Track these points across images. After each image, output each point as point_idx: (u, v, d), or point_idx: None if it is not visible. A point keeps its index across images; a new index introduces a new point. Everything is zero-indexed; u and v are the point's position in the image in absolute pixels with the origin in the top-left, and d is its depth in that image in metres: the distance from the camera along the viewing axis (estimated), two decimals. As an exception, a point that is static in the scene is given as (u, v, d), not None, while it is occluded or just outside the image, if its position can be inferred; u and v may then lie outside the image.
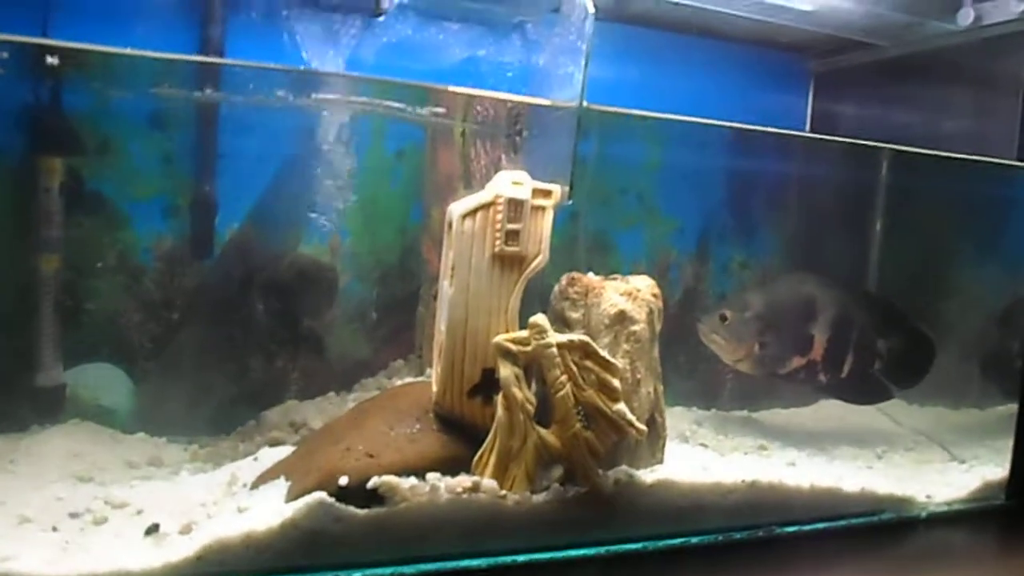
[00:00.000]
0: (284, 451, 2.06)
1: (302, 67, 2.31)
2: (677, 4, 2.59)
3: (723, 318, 2.69)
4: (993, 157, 2.84)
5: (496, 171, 2.41)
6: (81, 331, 2.37)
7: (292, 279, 2.49)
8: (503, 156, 2.40)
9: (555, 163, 2.13)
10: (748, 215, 3.13)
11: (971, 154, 2.98)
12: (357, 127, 2.46)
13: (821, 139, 3.18)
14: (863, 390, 2.76)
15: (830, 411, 2.97)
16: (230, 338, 2.47)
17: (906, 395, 3.11)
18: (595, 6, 2.03)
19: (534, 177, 2.02)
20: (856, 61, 3.12)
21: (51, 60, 1.97)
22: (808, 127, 3.36)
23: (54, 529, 1.78)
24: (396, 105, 2.39)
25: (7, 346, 2.29)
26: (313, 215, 2.46)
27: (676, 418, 2.72)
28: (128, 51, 1.95)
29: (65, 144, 2.28)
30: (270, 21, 2.43)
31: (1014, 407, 2.61)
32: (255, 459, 2.03)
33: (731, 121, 3.05)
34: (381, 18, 2.59)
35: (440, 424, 1.98)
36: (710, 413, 2.87)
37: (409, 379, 2.48)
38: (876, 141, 3.16)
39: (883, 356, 2.77)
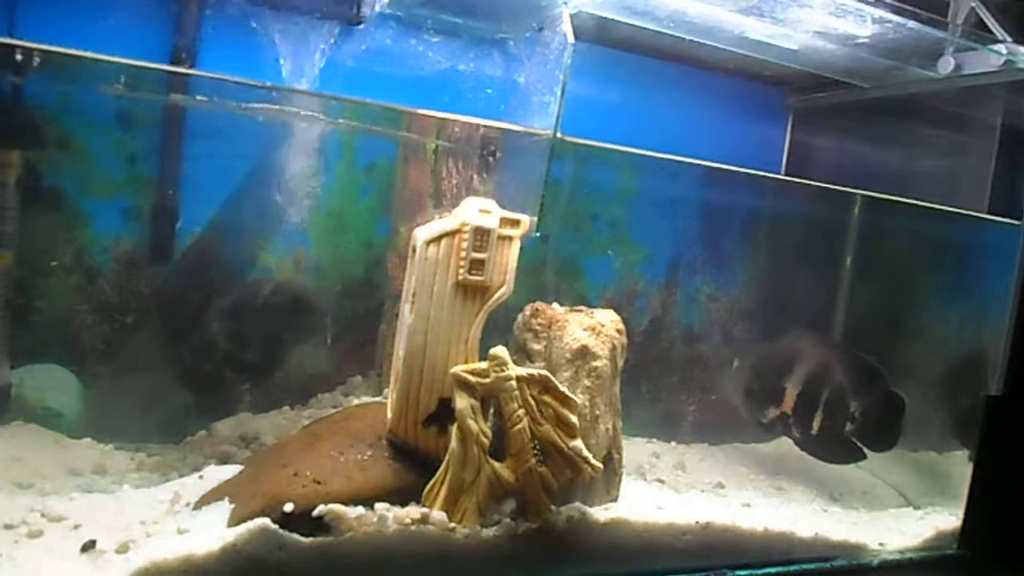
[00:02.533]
0: (231, 469, 2.00)
1: (272, 83, 2.26)
2: (660, 33, 2.56)
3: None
4: (965, 204, 2.86)
5: (467, 191, 2.40)
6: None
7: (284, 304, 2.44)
8: (474, 176, 2.37)
9: (525, 190, 2.10)
10: (718, 248, 3.12)
11: (944, 198, 3.01)
12: (327, 140, 2.42)
13: (790, 181, 3.18)
14: (832, 449, 2.75)
15: (790, 448, 2.97)
16: (185, 346, 2.42)
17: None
18: (575, 35, 2.00)
19: (504, 202, 1.99)
20: (835, 99, 3.12)
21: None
22: (785, 159, 3.36)
23: (-15, 541, 1.72)
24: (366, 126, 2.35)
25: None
26: (277, 225, 2.41)
27: (635, 449, 2.70)
28: (97, 56, 1.90)
29: (23, 137, 2.22)
30: (246, 23, 2.38)
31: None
32: (200, 476, 1.98)
33: (708, 150, 3.06)
34: (360, 26, 2.56)
35: (392, 451, 1.95)
36: (670, 445, 2.86)
37: (367, 398, 2.44)
38: (852, 178, 3.19)
39: (855, 418, 2.75)
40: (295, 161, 2.41)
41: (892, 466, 2.94)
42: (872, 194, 2.81)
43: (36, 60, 1.99)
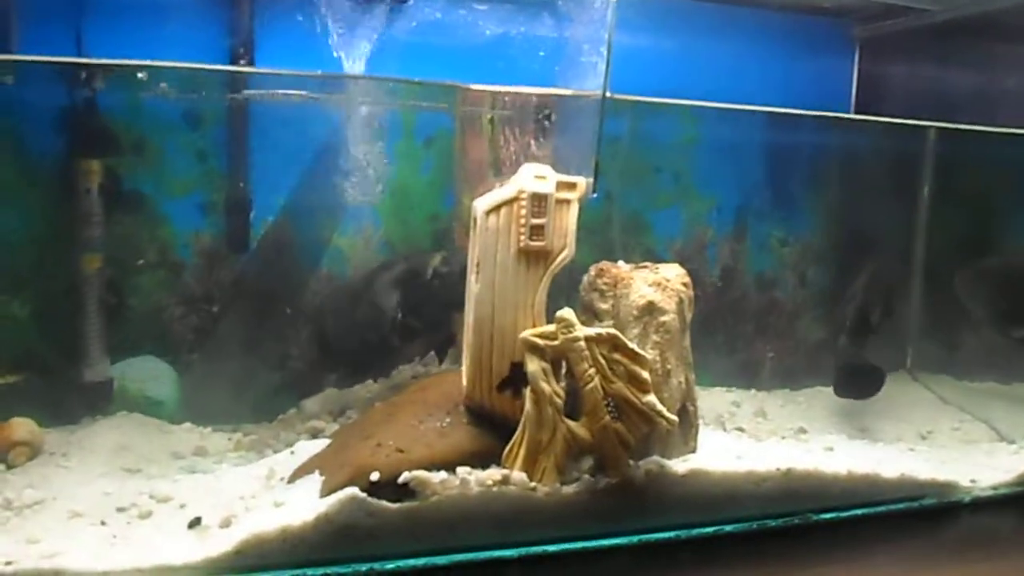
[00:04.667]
0: (320, 444, 2.10)
1: (325, 72, 2.31)
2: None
3: None
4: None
5: (526, 157, 2.42)
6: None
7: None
8: (531, 142, 2.38)
9: (582, 152, 2.11)
10: (786, 191, 3.05)
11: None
12: (384, 119, 2.47)
13: (853, 119, 3.07)
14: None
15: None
16: (271, 329, 2.52)
17: (954, 370, 3.04)
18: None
19: (562, 165, 2.00)
20: (904, 26, 2.99)
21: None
22: (854, 92, 3.25)
23: (102, 523, 1.85)
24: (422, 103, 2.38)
25: (57, 343, 2.37)
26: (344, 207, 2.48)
27: (715, 399, 2.70)
28: (154, 63, 1.98)
29: (101, 145, 2.34)
30: (296, 14, 2.44)
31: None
32: (292, 452, 2.08)
33: (774, 91, 3.00)
34: (409, 2, 2.59)
35: (470, 417, 2.00)
36: (750, 393, 2.83)
37: (446, 367, 2.50)
38: (927, 106, 3.06)
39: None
40: (355, 143, 2.47)
41: (984, 400, 2.85)
42: (941, 124, 2.68)
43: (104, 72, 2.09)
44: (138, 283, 2.47)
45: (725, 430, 2.46)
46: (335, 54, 2.43)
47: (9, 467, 2.13)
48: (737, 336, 2.90)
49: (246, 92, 2.45)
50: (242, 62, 2.50)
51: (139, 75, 2.24)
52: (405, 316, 2.42)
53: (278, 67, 2.49)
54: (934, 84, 3.16)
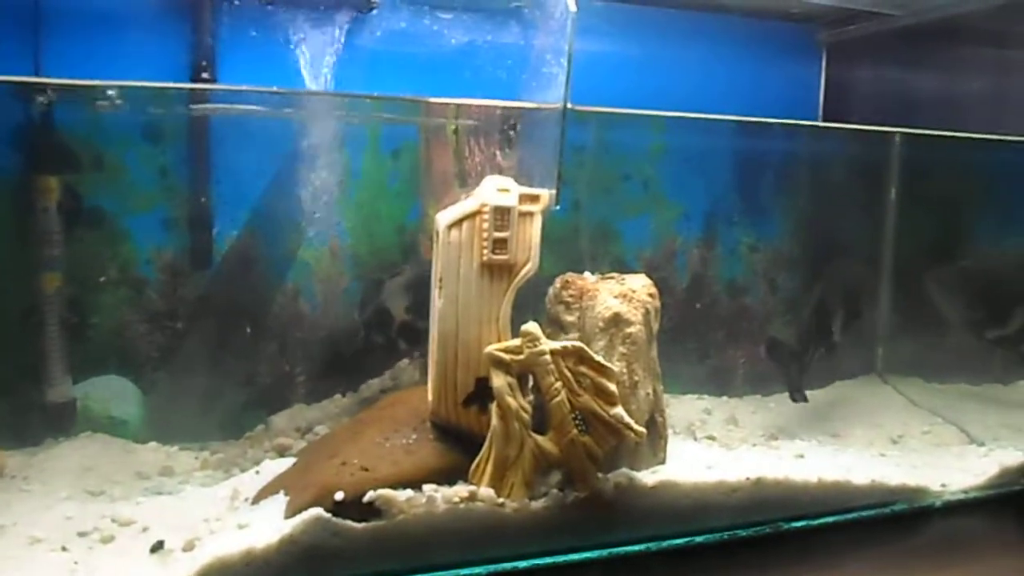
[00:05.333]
0: (286, 463, 2.07)
1: (288, 88, 2.29)
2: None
3: None
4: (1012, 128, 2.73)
5: (491, 167, 2.40)
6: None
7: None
8: (497, 152, 2.36)
9: (546, 163, 2.10)
10: (755, 197, 3.05)
11: (989, 123, 2.88)
12: (349, 131, 2.44)
13: (820, 126, 3.08)
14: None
15: (845, 392, 2.92)
16: (235, 345, 2.49)
17: (924, 372, 3.05)
18: (576, 4, 1.97)
19: (526, 176, 1.98)
20: (869, 30, 3.00)
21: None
22: (822, 96, 3.26)
23: (63, 549, 1.81)
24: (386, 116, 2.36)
25: (18, 364, 2.33)
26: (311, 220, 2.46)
27: (686, 407, 2.70)
28: (114, 83, 1.96)
29: (59, 162, 2.30)
30: (260, 22, 2.41)
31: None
32: (257, 472, 2.06)
33: (742, 97, 3.00)
34: (373, 11, 2.57)
35: (436, 433, 1.99)
36: (721, 400, 2.83)
37: (415, 379, 2.48)
38: (895, 109, 3.07)
39: None
40: (320, 155, 2.44)
41: (954, 402, 2.87)
42: (910, 131, 2.69)
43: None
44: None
45: (696, 439, 2.46)
46: (300, 65, 2.42)
47: (-30, 493, 2.09)
48: (709, 343, 2.90)
49: (207, 106, 2.41)
50: (204, 75, 2.46)
51: (105, 93, 2.20)
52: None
53: (241, 80, 2.46)
54: (899, 85, 3.18)
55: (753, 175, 3.06)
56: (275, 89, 2.27)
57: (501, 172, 2.36)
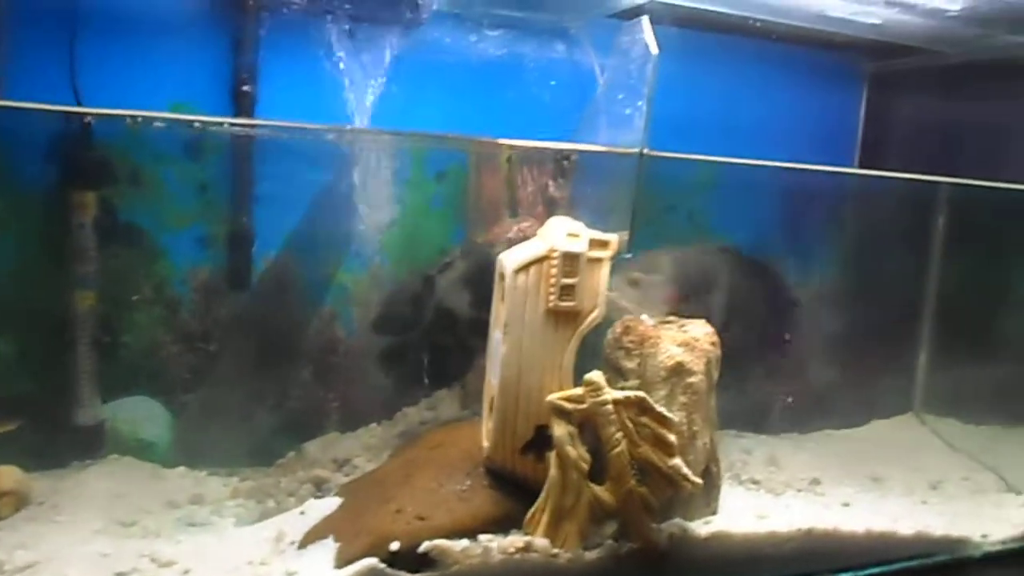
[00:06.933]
0: (331, 503, 2.00)
1: (330, 125, 2.22)
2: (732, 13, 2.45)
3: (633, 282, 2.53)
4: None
5: (543, 197, 2.35)
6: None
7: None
8: (550, 182, 2.30)
9: (606, 200, 2.04)
10: (796, 235, 3.02)
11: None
12: (393, 152, 2.37)
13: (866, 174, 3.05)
14: None
15: (881, 431, 2.90)
16: (269, 369, 2.42)
17: (959, 414, 3.02)
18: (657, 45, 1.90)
19: (582, 211, 1.92)
20: (915, 64, 2.96)
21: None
22: (861, 127, 3.22)
23: (100, 590, 1.75)
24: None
25: (47, 383, 2.25)
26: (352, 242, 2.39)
27: (725, 446, 2.64)
28: (157, 114, 1.88)
29: (95, 177, 2.21)
30: (305, 38, 2.33)
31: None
32: (302, 512, 1.98)
33: (779, 122, 2.97)
34: (420, 27, 2.49)
35: (490, 480, 1.93)
36: (760, 438, 2.79)
37: (453, 412, 2.41)
38: (936, 144, 3.04)
39: None
40: (362, 176, 2.37)
41: (990, 445, 2.84)
42: (958, 181, 2.65)
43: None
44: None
45: (740, 481, 2.41)
46: (344, 80, 2.35)
47: (-4, 519, 2.01)
48: (745, 378, 2.85)
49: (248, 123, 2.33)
50: (244, 88, 2.39)
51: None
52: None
53: (284, 95, 2.40)
54: (941, 121, 3.13)
55: (792, 212, 3.03)
56: (321, 126, 2.18)
57: (554, 203, 2.31)
